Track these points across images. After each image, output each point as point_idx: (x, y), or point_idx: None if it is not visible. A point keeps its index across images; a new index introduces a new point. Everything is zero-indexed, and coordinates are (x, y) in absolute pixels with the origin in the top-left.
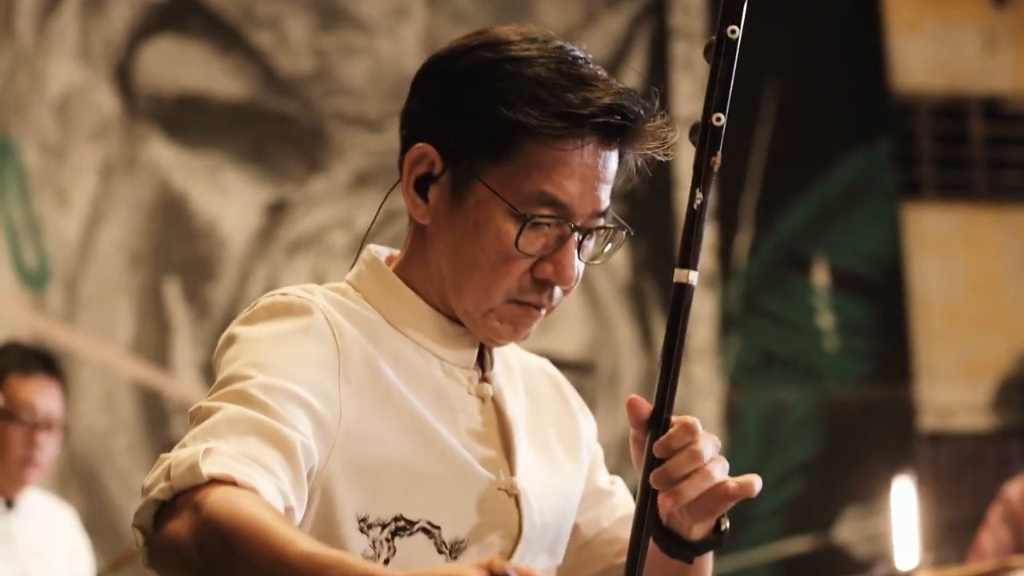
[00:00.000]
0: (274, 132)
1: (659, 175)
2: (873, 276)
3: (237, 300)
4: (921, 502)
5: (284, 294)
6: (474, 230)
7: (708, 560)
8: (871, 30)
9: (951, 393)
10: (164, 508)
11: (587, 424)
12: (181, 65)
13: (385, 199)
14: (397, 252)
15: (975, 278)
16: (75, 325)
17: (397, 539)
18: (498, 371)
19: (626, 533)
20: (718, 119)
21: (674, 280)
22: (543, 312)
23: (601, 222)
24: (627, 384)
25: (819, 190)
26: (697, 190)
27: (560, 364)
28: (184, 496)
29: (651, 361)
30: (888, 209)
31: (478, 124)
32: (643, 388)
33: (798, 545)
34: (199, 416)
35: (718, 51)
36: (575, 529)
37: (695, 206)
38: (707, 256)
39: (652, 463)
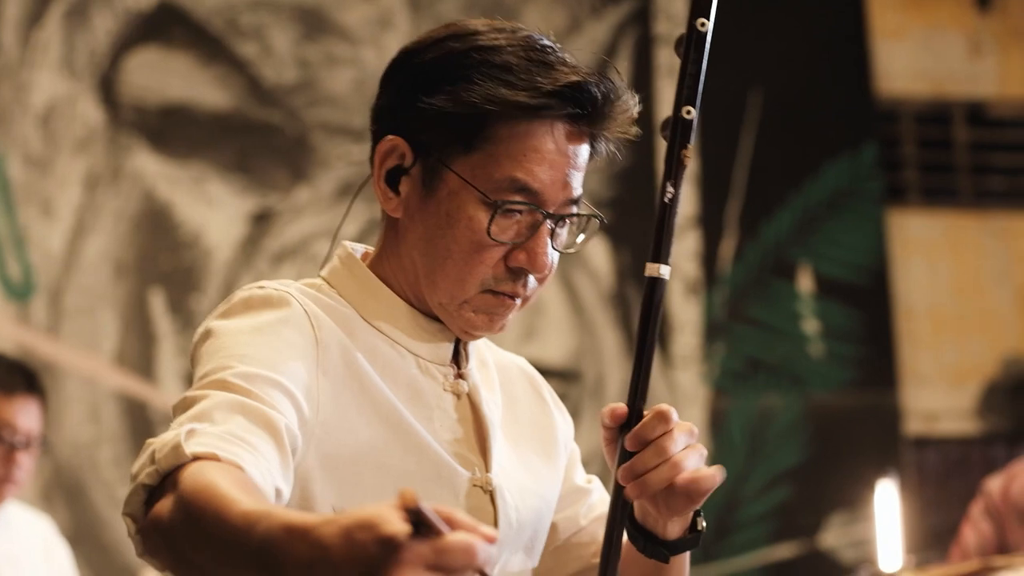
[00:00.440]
0: (258, 142)
1: (642, 181)
2: (858, 282)
3: None
4: (906, 507)
5: (261, 287)
6: (446, 220)
7: (685, 561)
8: (855, 36)
9: (936, 398)
10: (153, 493)
11: (564, 422)
12: (165, 76)
13: (356, 195)
14: (372, 249)
15: (960, 283)
16: (59, 336)
17: None
18: (473, 368)
19: (602, 533)
20: (688, 112)
21: (646, 274)
22: (518, 302)
23: (574, 209)
24: (612, 392)
25: (803, 196)
26: (668, 183)
27: (545, 372)
28: (170, 478)
29: None
30: (873, 215)
31: (447, 113)
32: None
33: (784, 551)
34: (183, 406)
35: (688, 44)
36: (552, 528)
37: (666, 199)
38: (692, 263)
39: (624, 458)
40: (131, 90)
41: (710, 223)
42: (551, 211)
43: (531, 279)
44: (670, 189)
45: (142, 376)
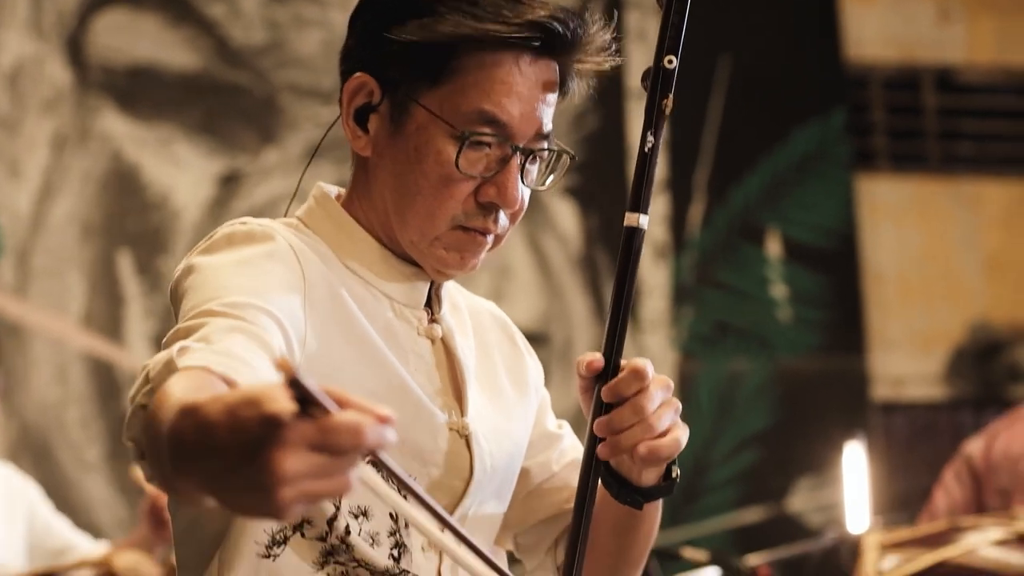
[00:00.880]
0: (227, 104)
1: (612, 144)
2: (826, 247)
3: None
4: (873, 472)
5: (243, 223)
6: (415, 155)
7: (657, 509)
8: (825, 2)
9: (904, 363)
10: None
11: (535, 367)
12: (133, 37)
13: (316, 150)
14: (344, 192)
15: (928, 249)
16: (27, 298)
17: None
18: (446, 312)
19: (575, 479)
20: (670, 61)
21: (624, 224)
22: (489, 239)
23: (544, 145)
24: (580, 355)
25: (772, 161)
26: (648, 133)
27: None
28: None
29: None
30: (841, 180)
31: (414, 46)
32: None
33: (752, 515)
34: (175, 337)
35: None
36: (524, 473)
37: (646, 149)
38: (660, 227)
39: (600, 409)
40: (99, 51)
41: (679, 187)
42: (521, 145)
43: (502, 216)
44: (650, 139)
45: (109, 337)
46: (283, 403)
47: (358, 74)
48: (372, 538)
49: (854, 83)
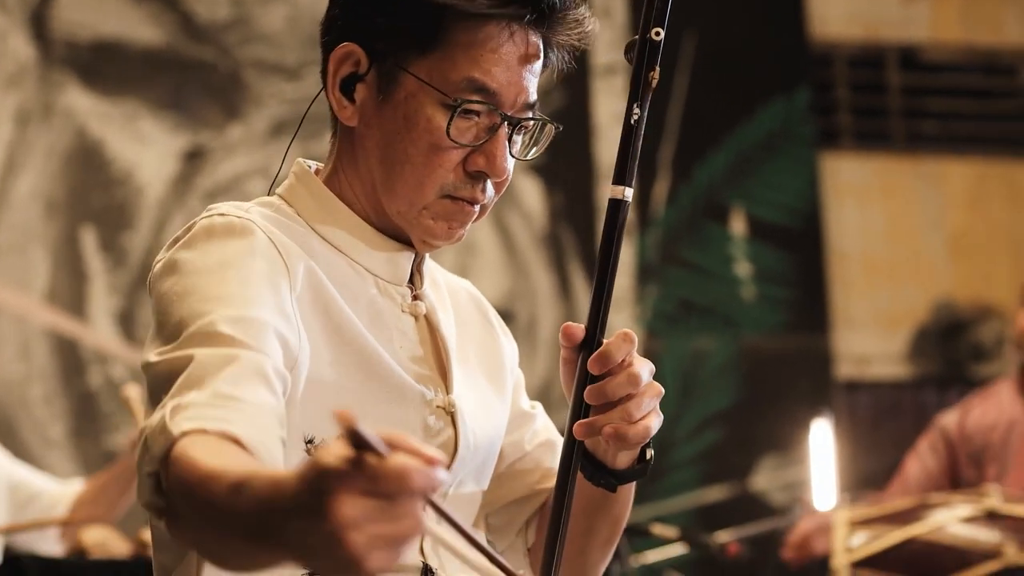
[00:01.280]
0: (191, 79)
1: (576, 123)
2: (791, 225)
3: (154, 248)
4: (838, 450)
5: (222, 215)
6: (404, 124)
7: (630, 491)
8: None
9: (868, 342)
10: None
11: (510, 346)
12: (97, 11)
13: (296, 132)
14: (323, 166)
15: (892, 228)
16: None
17: None
18: (428, 289)
19: (547, 460)
20: (657, 33)
21: (609, 196)
22: (476, 208)
23: (531, 114)
24: (545, 333)
25: (737, 139)
26: (635, 105)
27: None
28: (166, 460)
29: (569, 310)
30: (806, 158)
31: (402, 14)
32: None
33: (716, 493)
34: (167, 372)
35: None
36: (498, 452)
37: (632, 121)
38: None
39: (585, 379)
40: (63, 25)
41: (643, 165)
42: (509, 114)
43: (489, 185)
44: (636, 111)
45: (73, 314)
46: (334, 455)
47: (345, 44)
48: None
49: (818, 61)
